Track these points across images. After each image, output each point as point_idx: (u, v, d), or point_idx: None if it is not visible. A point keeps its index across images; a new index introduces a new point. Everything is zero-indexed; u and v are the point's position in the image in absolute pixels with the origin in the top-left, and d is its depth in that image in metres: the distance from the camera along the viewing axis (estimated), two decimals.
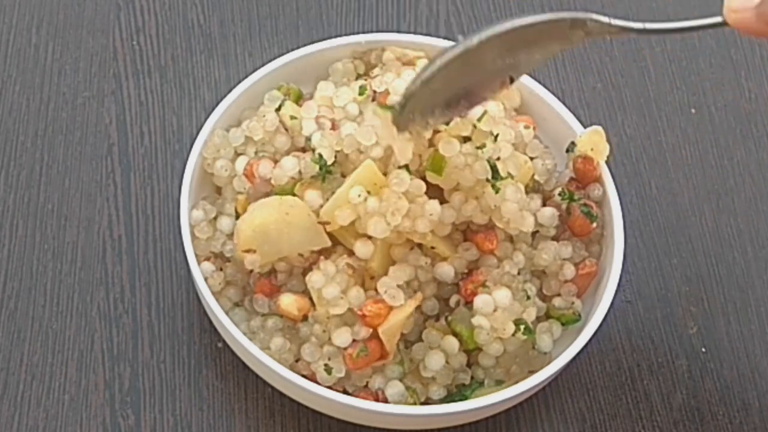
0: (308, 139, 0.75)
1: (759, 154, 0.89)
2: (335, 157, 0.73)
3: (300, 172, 0.74)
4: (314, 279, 0.72)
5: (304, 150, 0.75)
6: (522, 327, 0.73)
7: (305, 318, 0.74)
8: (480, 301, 0.72)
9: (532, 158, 0.77)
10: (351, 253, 0.73)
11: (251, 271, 0.75)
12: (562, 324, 0.76)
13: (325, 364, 0.72)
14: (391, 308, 0.72)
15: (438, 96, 0.70)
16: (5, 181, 0.84)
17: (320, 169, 0.73)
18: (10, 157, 0.85)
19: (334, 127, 0.75)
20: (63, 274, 0.80)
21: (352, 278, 0.72)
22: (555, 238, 0.77)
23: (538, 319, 0.75)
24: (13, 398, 0.76)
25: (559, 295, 0.76)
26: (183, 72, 0.89)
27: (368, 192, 0.71)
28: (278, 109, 0.78)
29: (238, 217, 0.76)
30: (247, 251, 0.73)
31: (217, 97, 0.83)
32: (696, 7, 0.94)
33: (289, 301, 0.73)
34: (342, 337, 0.72)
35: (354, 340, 0.72)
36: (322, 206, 0.72)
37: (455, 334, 0.73)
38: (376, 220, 0.71)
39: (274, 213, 0.72)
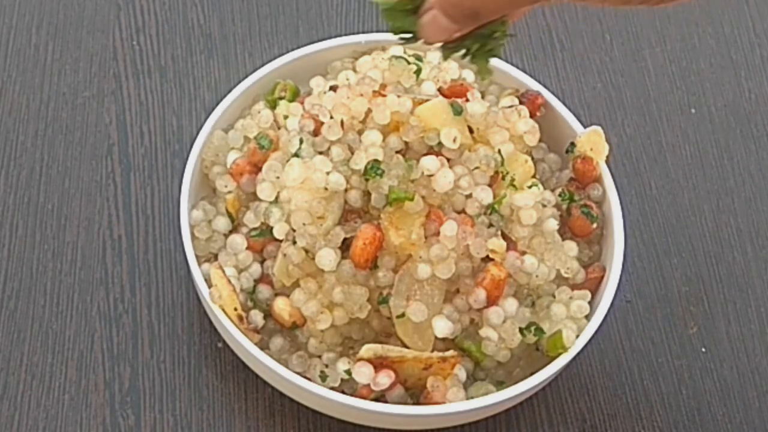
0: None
1: (759, 154, 0.89)
2: None
3: None
4: (296, 298, 0.72)
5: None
6: (533, 329, 0.73)
7: (295, 325, 0.73)
8: (491, 313, 0.72)
9: (532, 158, 0.77)
10: None
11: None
12: None
13: (321, 371, 0.72)
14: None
15: None
16: (5, 181, 0.83)
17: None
18: (10, 157, 0.85)
19: (316, 133, 0.74)
20: (63, 274, 0.80)
21: None
22: None
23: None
24: (13, 398, 0.76)
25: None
26: (183, 72, 0.89)
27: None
28: (274, 108, 0.78)
29: (230, 216, 0.76)
30: None
31: (217, 97, 0.83)
32: (696, 7, 0.94)
33: (282, 306, 0.73)
34: (362, 377, 0.71)
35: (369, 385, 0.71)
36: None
37: (462, 350, 0.73)
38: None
39: None
